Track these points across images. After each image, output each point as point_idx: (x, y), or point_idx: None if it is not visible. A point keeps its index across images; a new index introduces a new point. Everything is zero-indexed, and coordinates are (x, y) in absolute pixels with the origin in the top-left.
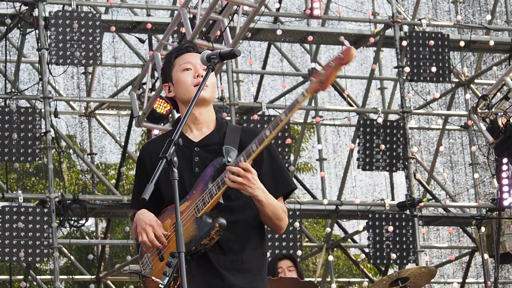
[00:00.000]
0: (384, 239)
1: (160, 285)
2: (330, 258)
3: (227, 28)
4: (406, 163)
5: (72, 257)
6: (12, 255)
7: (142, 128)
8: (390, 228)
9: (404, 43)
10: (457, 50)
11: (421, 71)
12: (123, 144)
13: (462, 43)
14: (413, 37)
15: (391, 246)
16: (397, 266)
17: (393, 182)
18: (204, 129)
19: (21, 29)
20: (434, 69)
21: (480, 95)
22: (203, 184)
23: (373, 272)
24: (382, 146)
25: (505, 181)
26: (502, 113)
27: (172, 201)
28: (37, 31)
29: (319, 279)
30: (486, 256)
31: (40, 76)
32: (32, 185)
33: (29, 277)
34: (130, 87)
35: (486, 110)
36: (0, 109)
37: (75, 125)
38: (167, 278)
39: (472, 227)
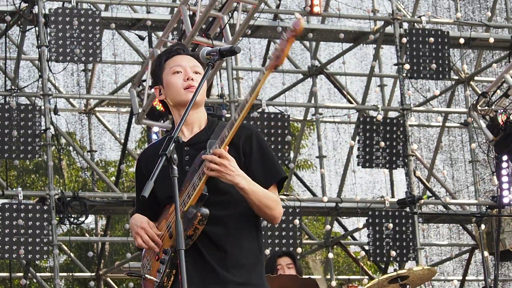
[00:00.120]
0: (384, 236)
1: (155, 283)
2: (330, 255)
3: (227, 25)
4: (406, 160)
5: (72, 254)
6: (12, 252)
7: (142, 125)
8: (390, 226)
9: (404, 40)
10: (457, 47)
11: (421, 68)
12: (123, 141)
13: (462, 40)
14: (413, 34)
15: (391, 244)
16: (397, 264)
17: (393, 180)
18: (195, 129)
19: (21, 26)
20: (434, 66)
21: (480, 92)
22: (190, 179)
23: (373, 270)
24: (382, 143)
25: (505, 179)
26: (502, 111)
27: (166, 202)
28: (37, 28)
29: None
30: (486, 253)
31: (40, 73)
32: (32, 182)
33: (29, 274)
34: (130, 84)
35: (486, 108)
36: (0, 106)
37: (75, 122)
38: (161, 275)
39: (472, 225)
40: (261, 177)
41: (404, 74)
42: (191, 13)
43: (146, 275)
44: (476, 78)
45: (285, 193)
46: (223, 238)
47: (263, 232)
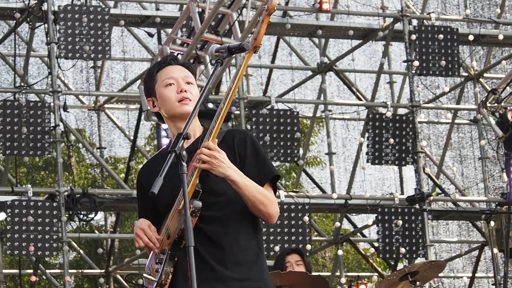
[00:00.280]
0: (393, 233)
1: (154, 282)
2: (340, 252)
3: (236, 22)
4: (416, 157)
5: (81, 251)
6: (22, 249)
7: (151, 122)
8: (400, 222)
9: (413, 37)
10: (466, 44)
11: (430, 65)
12: (132, 138)
13: (471, 37)
14: (422, 31)
15: (400, 240)
16: (406, 260)
17: (402, 176)
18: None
19: (30, 23)
20: (443, 63)
21: (489, 89)
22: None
23: (382, 266)
24: (391, 140)
25: None
26: (511, 107)
27: (166, 210)
28: (46, 25)
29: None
30: (495, 250)
31: (49, 70)
32: (41, 179)
33: (39, 271)
34: (139, 81)
35: (496, 104)
36: (10, 103)
37: (84, 119)
38: (159, 274)
39: (482, 222)
40: (254, 175)
41: (414, 71)
42: (200, 10)
43: (144, 274)
44: (485, 75)
45: (294, 189)
46: (221, 236)
47: (272, 229)
